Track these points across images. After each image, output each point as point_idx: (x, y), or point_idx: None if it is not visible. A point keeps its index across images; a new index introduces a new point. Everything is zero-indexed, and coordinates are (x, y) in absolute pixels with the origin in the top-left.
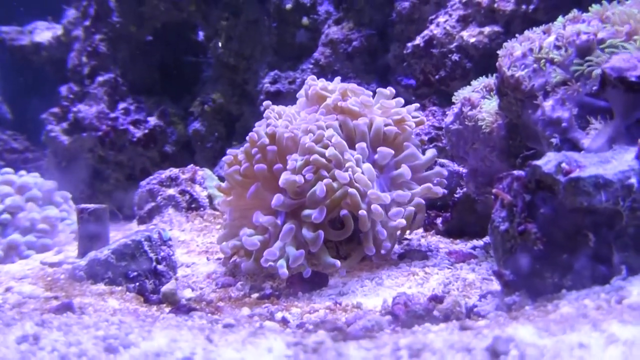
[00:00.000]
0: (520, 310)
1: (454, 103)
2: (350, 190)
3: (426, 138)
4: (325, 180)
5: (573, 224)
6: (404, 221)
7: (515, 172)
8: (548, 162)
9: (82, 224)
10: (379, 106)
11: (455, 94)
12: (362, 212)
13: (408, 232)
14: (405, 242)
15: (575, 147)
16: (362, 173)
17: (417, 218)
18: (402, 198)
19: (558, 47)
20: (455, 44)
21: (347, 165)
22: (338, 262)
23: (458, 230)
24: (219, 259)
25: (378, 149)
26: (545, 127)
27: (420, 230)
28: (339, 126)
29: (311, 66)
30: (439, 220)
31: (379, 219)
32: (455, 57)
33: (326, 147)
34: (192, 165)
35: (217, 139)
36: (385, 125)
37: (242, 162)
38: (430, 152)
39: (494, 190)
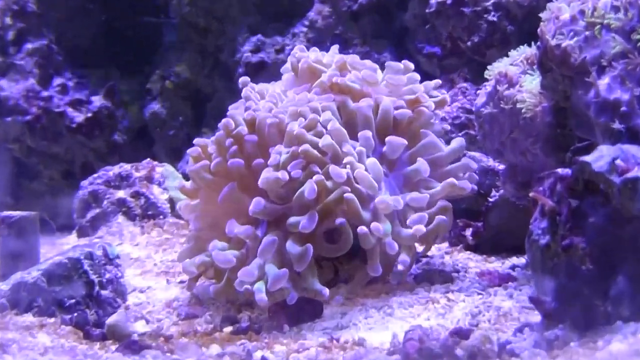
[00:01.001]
0: (563, 347)
1: (487, 79)
2: (347, 195)
3: (453, 124)
4: (315, 177)
5: (631, 236)
6: (422, 228)
7: (560, 171)
8: (600, 157)
9: (3, 238)
10: (386, 83)
11: (488, 67)
12: (362, 229)
13: (424, 247)
14: (424, 260)
15: (637, 138)
16: (366, 170)
17: (441, 226)
18: (419, 202)
19: (617, 9)
20: (492, 1)
21: (345, 160)
22: (326, 291)
23: (493, 244)
24: (182, 281)
25: (387, 139)
26: (599, 112)
27: (445, 244)
28: (337, 109)
29: (305, 29)
30: (468, 232)
31: (385, 238)
32: (492, 17)
33: (320, 135)
34: (148, 159)
35: (181, 124)
36: (396, 108)
37: (212, 156)
38: (457, 142)
39: (531, 194)
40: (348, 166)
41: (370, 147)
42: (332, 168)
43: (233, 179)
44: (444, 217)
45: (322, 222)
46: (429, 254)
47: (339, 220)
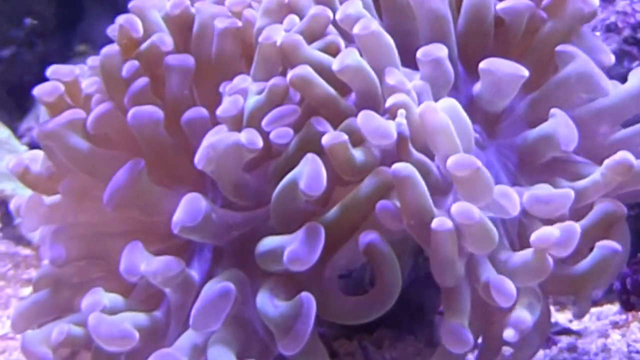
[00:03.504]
0: None
1: None
2: (400, 170)
3: (632, 39)
4: (327, 138)
5: None
6: (553, 232)
7: None
8: None
9: None
10: None
11: None
12: (445, 223)
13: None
14: (563, 341)
15: None
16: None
17: (607, 259)
18: (553, 203)
19: None
20: None
21: (392, 100)
22: None
23: None
24: None
25: (483, 66)
26: None
27: (609, 306)
28: None
29: None
30: None
31: (483, 249)
32: None
33: (333, 51)
34: None
35: (29, 34)
36: None
37: (92, 101)
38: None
39: None
40: (401, 113)
41: (446, 80)
42: (365, 118)
43: (137, 150)
44: (611, 243)
45: (334, 251)
46: (576, 323)
47: (369, 237)
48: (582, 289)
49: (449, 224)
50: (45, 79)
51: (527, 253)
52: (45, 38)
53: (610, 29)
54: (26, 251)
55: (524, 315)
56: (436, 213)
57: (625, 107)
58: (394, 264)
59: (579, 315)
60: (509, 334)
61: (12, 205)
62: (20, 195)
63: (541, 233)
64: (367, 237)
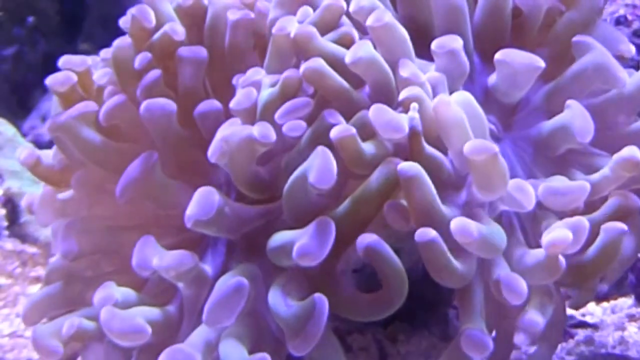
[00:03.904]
0: None
1: None
2: (408, 170)
3: None
4: (338, 131)
5: None
6: (567, 235)
7: None
8: None
9: None
10: None
11: None
12: (427, 233)
13: (579, 296)
14: (580, 333)
15: None
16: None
17: (616, 250)
18: (568, 196)
19: None
20: None
21: (406, 93)
22: None
23: None
24: None
25: (498, 57)
26: None
27: (624, 299)
28: None
29: None
30: None
31: (488, 256)
32: None
33: (347, 42)
34: None
35: (32, 33)
36: None
37: (105, 93)
38: None
39: None
40: (413, 107)
41: (461, 71)
42: (377, 112)
43: (150, 143)
44: (617, 224)
45: (347, 245)
46: (589, 317)
47: (371, 243)
48: (589, 277)
49: (431, 233)
50: (48, 76)
51: (539, 253)
52: (49, 37)
53: (619, 21)
54: (33, 249)
55: (535, 317)
56: (445, 211)
57: (636, 99)
58: (396, 265)
59: (577, 306)
60: (519, 339)
61: (23, 202)
62: (28, 192)
63: (554, 237)
64: (365, 240)
